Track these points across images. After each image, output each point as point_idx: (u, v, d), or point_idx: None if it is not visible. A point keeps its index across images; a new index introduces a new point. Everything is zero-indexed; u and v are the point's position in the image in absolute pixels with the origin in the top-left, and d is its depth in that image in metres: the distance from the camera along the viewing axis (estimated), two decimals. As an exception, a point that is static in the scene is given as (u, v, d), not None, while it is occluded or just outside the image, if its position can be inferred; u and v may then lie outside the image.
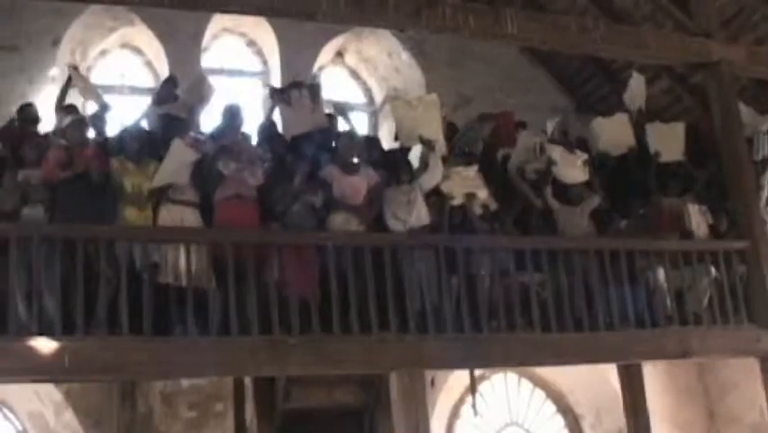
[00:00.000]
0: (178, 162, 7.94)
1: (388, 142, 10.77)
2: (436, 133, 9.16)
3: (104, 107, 8.94)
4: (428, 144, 8.90)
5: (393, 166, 8.89)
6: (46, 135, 8.49)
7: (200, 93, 9.50)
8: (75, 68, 9.65)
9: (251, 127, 9.32)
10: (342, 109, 10.02)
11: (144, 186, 7.84)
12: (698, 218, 9.66)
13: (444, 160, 9.00)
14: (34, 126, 8.68)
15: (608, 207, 9.65)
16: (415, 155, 9.11)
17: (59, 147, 8.01)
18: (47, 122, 9.01)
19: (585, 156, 9.55)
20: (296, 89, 9.32)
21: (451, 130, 9.75)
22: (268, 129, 9.36)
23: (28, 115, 8.80)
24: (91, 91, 9.44)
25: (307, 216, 8.16)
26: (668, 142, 10.17)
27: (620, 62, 12.84)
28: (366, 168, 8.65)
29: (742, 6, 11.80)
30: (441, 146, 9.10)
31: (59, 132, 8.41)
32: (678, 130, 10.36)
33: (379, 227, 8.48)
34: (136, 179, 7.85)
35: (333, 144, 9.04)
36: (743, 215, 9.80)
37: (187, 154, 8.01)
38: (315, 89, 9.52)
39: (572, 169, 9.46)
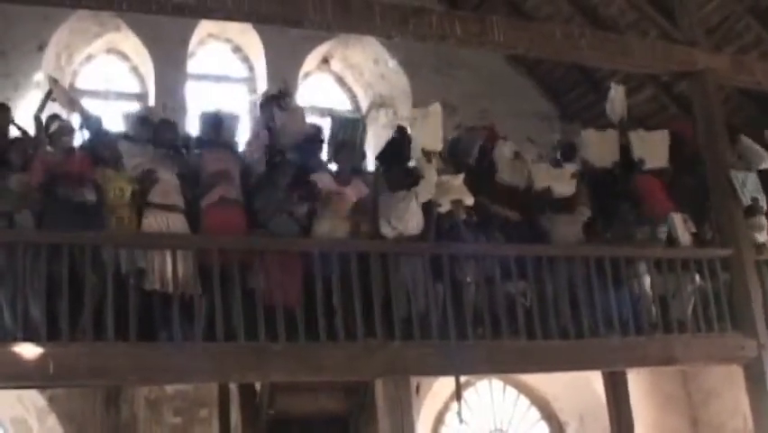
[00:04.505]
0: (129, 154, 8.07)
1: (374, 148, 10.79)
2: (438, 143, 9.15)
3: (87, 117, 8.86)
4: (427, 156, 8.89)
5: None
6: (32, 140, 8.41)
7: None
8: (55, 80, 9.57)
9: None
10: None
11: (126, 190, 7.81)
12: (681, 227, 9.69)
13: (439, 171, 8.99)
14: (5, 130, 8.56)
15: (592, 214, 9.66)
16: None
17: (47, 155, 7.92)
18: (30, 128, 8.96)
19: (573, 168, 9.48)
20: (289, 98, 9.33)
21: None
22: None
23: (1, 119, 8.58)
24: (72, 102, 9.32)
25: (290, 224, 8.15)
26: (652, 149, 10.19)
27: (605, 70, 12.87)
28: (357, 180, 8.62)
29: (726, 15, 11.87)
30: (437, 157, 9.11)
31: (43, 140, 8.32)
32: (662, 138, 10.38)
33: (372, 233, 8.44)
34: (117, 183, 7.81)
35: (329, 154, 9.05)
36: (726, 223, 9.82)
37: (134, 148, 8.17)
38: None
39: (560, 183, 9.42)
